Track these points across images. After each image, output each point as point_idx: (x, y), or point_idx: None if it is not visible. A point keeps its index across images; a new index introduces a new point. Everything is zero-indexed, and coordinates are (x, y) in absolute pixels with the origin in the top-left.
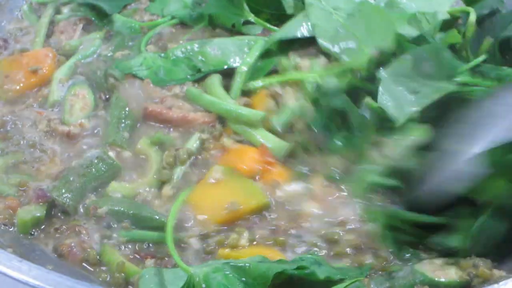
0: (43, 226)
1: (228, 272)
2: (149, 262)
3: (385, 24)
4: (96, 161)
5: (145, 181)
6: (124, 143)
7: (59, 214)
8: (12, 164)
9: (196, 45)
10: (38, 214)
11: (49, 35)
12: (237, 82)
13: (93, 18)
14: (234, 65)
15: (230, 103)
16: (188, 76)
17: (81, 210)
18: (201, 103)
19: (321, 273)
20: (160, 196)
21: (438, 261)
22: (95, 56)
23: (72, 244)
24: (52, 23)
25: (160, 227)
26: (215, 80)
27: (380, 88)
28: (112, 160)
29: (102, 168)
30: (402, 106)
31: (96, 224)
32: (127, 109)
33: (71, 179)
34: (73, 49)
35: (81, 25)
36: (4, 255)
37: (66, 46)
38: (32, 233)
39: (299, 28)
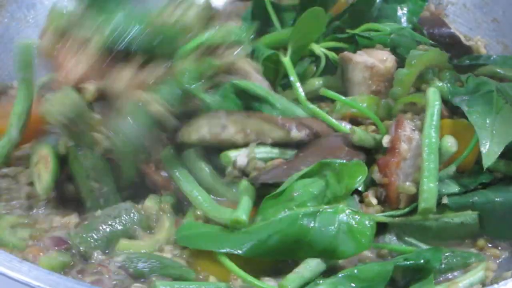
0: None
1: (345, 285)
2: None
3: None
4: (124, 213)
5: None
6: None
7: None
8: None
9: None
10: (64, 260)
11: None
12: None
13: None
14: None
15: (201, 192)
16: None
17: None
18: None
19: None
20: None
21: None
22: None
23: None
24: None
25: (183, 275)
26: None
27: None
28: (141, 214)
29: (131, 221)
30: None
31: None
32: None
33: (97, 227)
34: None
35: None
36: (4, 256)
37: None
38: None
39: None
